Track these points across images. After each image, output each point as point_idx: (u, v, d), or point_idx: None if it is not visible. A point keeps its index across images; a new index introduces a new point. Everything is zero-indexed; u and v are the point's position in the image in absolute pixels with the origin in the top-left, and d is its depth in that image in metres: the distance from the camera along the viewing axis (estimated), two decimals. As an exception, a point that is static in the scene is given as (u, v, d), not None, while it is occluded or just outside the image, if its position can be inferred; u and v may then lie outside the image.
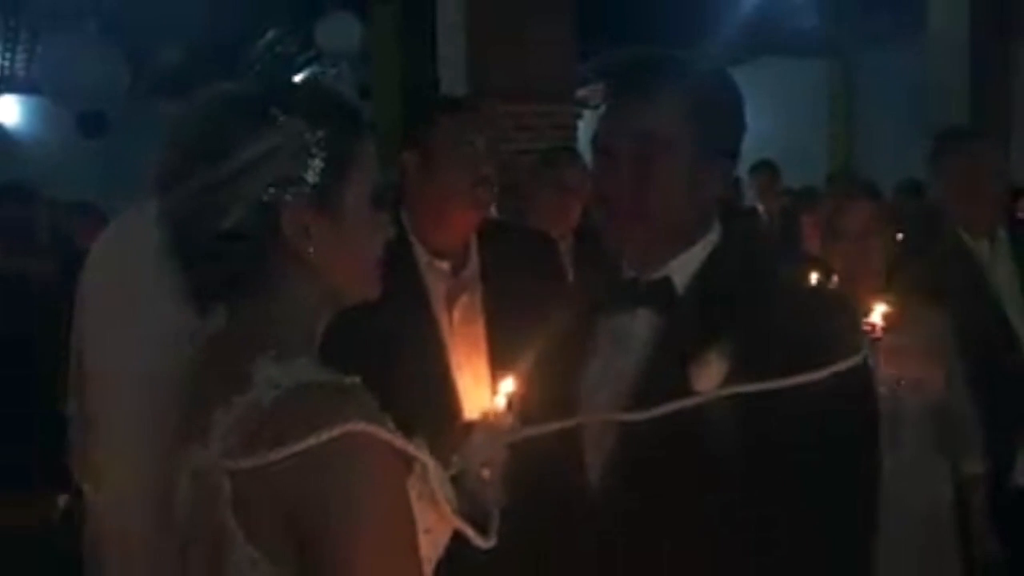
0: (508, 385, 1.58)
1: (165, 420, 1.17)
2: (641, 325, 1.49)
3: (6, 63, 11.04)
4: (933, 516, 2.55)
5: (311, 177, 1.14)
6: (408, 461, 1.14)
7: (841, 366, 1.32)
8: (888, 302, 2.39)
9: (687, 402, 1.34)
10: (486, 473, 1.97)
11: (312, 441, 1.02)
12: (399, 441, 1.10)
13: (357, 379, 1.13)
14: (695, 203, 1.49)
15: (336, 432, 1.02)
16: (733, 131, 1.53)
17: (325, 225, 1.15)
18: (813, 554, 1.33)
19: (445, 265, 2.30)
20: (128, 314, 1.19)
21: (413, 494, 1.13)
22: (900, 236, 3.10)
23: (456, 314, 2.29)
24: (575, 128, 5.95)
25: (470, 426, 1.63)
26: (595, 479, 1.47)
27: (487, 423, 1.52)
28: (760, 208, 6.81)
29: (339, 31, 8.21)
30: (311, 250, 1.15)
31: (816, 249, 3.09)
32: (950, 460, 2.61)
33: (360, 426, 1.04)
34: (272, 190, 1.13)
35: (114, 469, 1.21)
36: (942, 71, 6.77)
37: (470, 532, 1.20)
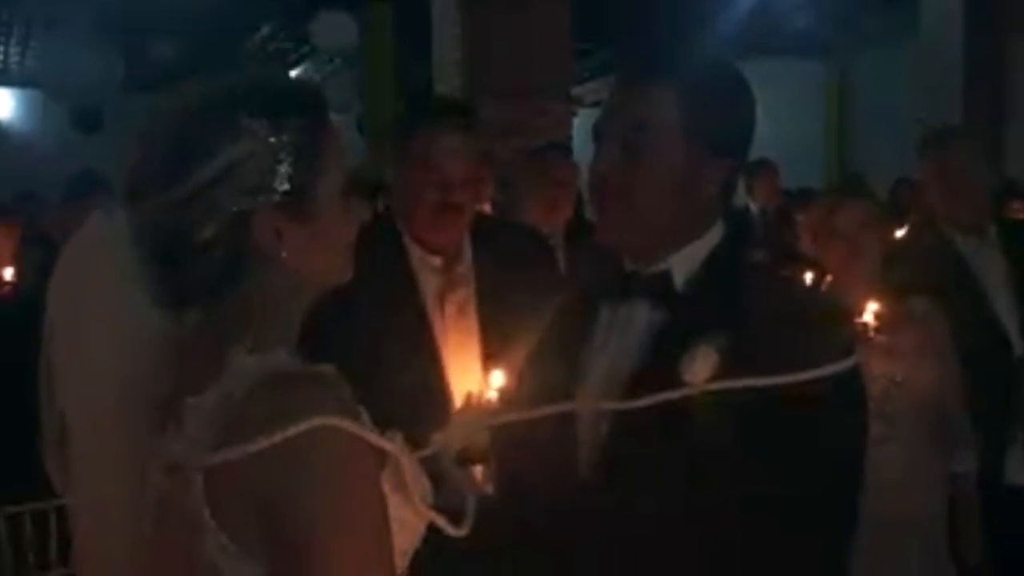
0: (498, 378, 1.58)
1: (138, 420, 1.16)
2: (639, 318, 1.49)
3: (0, 57, 11.01)
4: (927, 514, 2.56)
5: (279, 183, 1.14)
6: (382, 454, 1.13)
7: (831, 369, 1.32)
8: (882, 301, 2.39)
9: (673, 394, 1.34)
10: (480, 470, 1.97)
11: (279, 437, 1.02)
12: (370, 435, 1.09)
13: (331, 367, 1.13)
14: (691, 199, 1.47)
15: (303, 427, 1.02)
16: (736, 130, 1.50)
17: (296, 226, 1.16)
18: (792, 552, 1.33)
19: (437, 260, 2.29)
20: (99, 316, 1.18)
21: (387, 487, 1.13)
22: (898, 234, 3.12)
23: (449, 309, 2.28)
24: (570, 126, 5.96)
25: None
26: (587, 470, 1.48)
27: (470, 406, 1.52)
28: (753, 207, 6.80)
29: (334, 28, 8.23)
30: (284, 253, 1.15)
31: (810, 248, 3.10)
32: (943, 458, 2.62)
33: (331, 420, 1.04)
34: (242, 199, 1.13)
35: (87, 469, 1.20)
36: (936, 70, 6.79)
37: (443, 522, 1.20)
